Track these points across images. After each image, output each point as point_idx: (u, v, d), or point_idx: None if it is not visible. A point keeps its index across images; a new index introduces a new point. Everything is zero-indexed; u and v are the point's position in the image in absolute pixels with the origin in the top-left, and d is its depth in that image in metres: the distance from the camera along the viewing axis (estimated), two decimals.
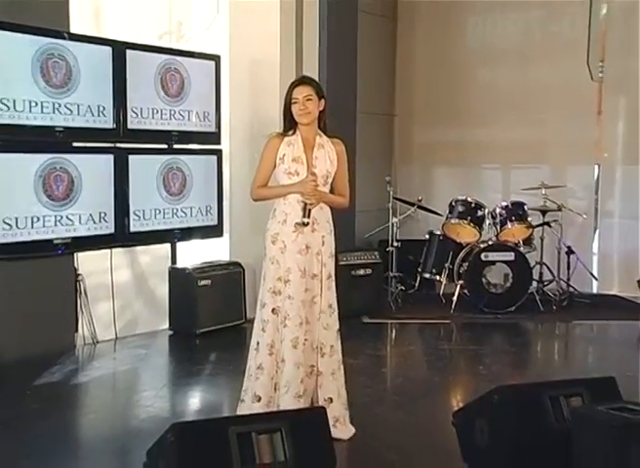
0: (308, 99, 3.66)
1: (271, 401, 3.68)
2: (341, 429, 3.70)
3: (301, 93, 3.66)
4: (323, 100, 3.73)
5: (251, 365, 3.75)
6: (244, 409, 3.72)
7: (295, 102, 3.67)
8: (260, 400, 3.67)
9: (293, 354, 3.59)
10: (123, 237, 5.55)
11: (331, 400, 3.71)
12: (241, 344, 5.77)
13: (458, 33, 7.96)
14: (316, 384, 3.74)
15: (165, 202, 5.83)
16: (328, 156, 3.73)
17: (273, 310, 3.66)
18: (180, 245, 6.07)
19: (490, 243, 6.62)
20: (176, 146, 5.93)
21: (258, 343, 3.71)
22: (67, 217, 5.14)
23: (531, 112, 7.60)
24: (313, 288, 3.68)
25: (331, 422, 3.60)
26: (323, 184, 3.71)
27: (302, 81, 3.77)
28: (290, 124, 3.74)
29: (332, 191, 3.82)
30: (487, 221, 6.81)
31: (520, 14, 7.67)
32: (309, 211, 3.63)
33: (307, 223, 3.64)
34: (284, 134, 3.74)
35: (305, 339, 3.64)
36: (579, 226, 7.33)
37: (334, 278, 3.78)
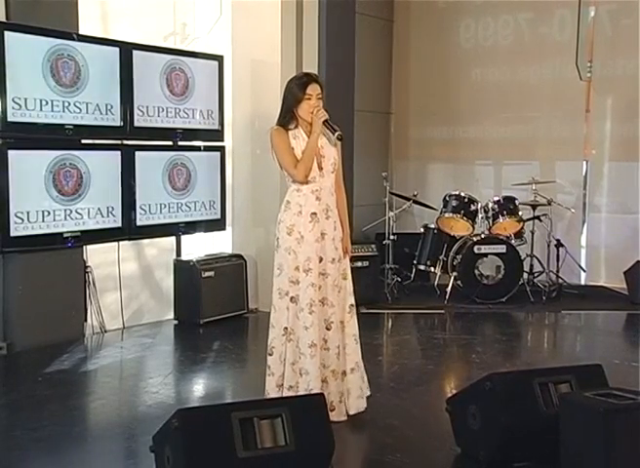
0: (319, 98, 3.69)
1: (294, 386, 3.69)
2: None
3: (315, 90, 3.67)
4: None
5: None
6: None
7: (308, 99, 3.66)
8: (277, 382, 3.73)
9: (312, 337, 3.64)
10: (130, 230, 5.62)
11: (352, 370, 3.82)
12: (243, 333, 5.92)
13: (451, 34, 7.96)
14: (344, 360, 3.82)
15: (170, 197, 5.89)
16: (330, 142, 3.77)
17: (292, 299, 3.69)
18: (184, 238, 6.15)
19: (482, 236, 6.67)
20: (180, 143, 5.98)
21: (285, 329, 3.74)
22: (77, 212, 5.21)
23: (522, 110, 7.65)
24: (334, 272, 3.75)
25: (357, 393, 3.79)
26: (332, 171, 3.76)
27: (313, 79, 3.74)
28: (290, 118, 3.73)
29: None
30: (479, 215, 6.85)
31: (511, 15, 7.66)
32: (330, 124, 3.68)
33: (340, 135, 3.69)
34: (286, 127, 3.73)
35: (331, 322, 3.72)
36: (567, 220, 7.37)
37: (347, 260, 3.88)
